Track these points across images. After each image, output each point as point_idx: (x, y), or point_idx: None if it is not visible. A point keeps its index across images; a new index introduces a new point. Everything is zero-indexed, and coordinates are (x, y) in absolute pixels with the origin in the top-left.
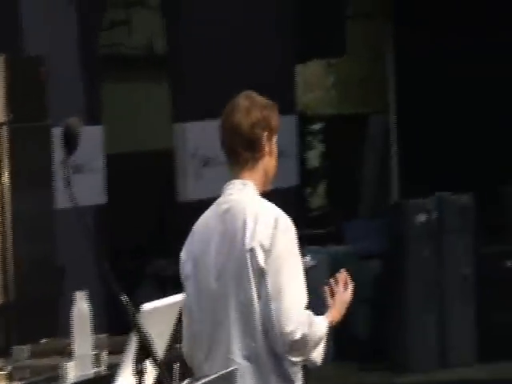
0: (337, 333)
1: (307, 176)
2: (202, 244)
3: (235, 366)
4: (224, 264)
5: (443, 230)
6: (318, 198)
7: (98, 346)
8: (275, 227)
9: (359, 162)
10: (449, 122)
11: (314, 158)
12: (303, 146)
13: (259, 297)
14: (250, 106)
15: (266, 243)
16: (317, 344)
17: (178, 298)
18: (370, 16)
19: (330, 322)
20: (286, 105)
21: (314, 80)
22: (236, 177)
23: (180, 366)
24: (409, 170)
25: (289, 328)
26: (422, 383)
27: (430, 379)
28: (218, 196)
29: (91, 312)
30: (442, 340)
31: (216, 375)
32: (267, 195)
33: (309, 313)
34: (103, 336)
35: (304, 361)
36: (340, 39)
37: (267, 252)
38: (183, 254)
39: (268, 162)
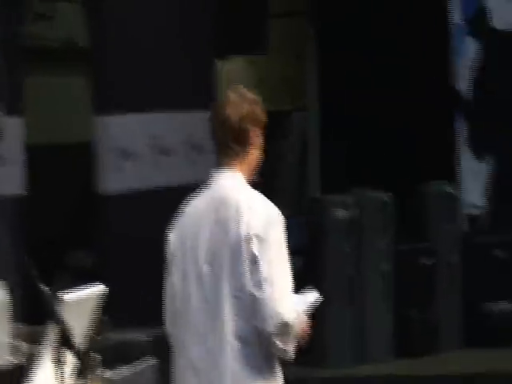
0: None
1: None
2: (192, 227)
3: (228, 346)
4: (217, 250)
5: (363, 226)
6: None
7: (16, 336)
8: (268, 218)
9: (280, 158)
10: (369, 120)
11: None
12: None
13: (251, 282)
14: (240, 101)
15: (261, 233)
16: (295, 336)
17: (96, 289)
18: (292, 14)
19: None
20: (206, 101)
21: (235, 77)
22: (225, 167)
23: (100, 356)
24: (329, 166)
25: (282, 310)
26: (340, 378)
27: (348, 374)
28: (138, 188)
29: (10, 302)
30: (361, 335)
31: (133, 370)
32: None
33: (296, 304)
34: (22, 326)
35: (283, 350)
36: (262, 37)
37: (261, 241)
38: (171, 234)
39: (254, 154)
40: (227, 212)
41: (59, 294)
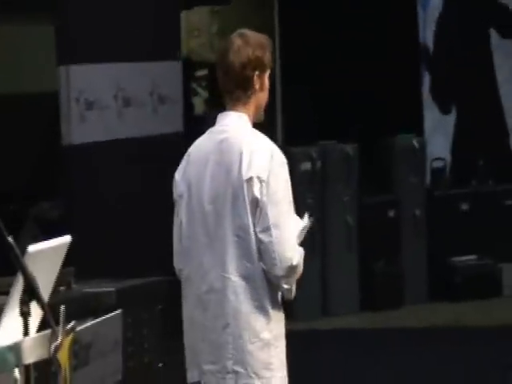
0: None
1: (192, 122)
2: (197, 168)
3: (231, 283)
4: (219, 189)
5: (327, 178)
6: None
7: None
8: (271, 160)
9: None
10: (334, 72)
11: (198, 104)
12: (188, 92)
13: (254, 224)
14: (243, 46)
15: (263, 175)
16: (298, 276)
17: (63, 240)
18: None
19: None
20: (171, 51)
21: (198, 26)
22: (231, 109)
23: (65, 309)
24: (293, 118)
25: (289, 253)
26: (304, 331)
27: (312, 327)
28: (103, 139)
29: None
30: (325, 288)
31: (98, 322)
32: None
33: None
34: None
35: (288, 290)
36: None
37: (264, 183)
38: (177, 175)
39: (259, 97)
40: (230, 154)
41: (25, 245)
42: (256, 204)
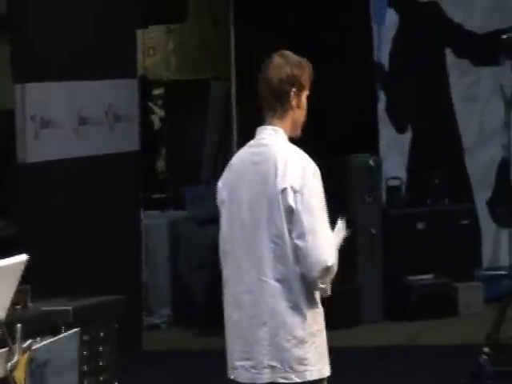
0: (175, 297)
1: (148, 140)
2: (237, 176)
3: (267, 286)
4: (256, 198)
5: None
6: (158, 163)
7: None
8: (304, 171)
9: (200, 127)
10: None
11: (154, 122)
12: (144, 111)
13: (290, 231)
14: (282, 64)
15: (297, 185)
16: (333, 275)
17: (19, 259)
18: None
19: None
20: (127, 69)
21: (154, 45)
22: (268, 123)
23: (22, 327)
24: (249, 135)
25: (324, 257)
26: None
27: None
28: (59, 157)
29: None
30: None
31: (56, 340)
32: None
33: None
34: None
35: (324, 289)
36: (180, 5)
37: (298, 193)
38: (220, 183)
39: (296, 114)
40: (266, 165)
41: None
42: (291, 212)
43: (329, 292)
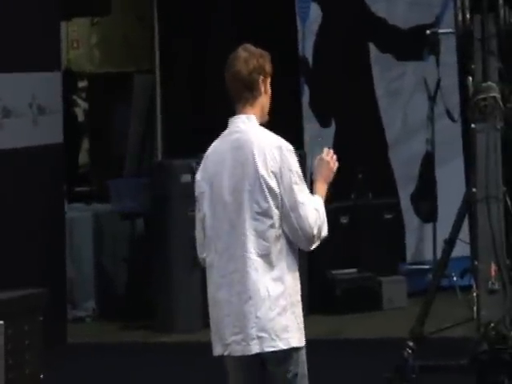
0: (100, 291)
1: (72, 133)
2: (215, 166)
3: (251, 261)
4: (237, 183)
5: None
6: (82, 156)
7: None
8: (280, 151)
9: (124, 120)
10: (214, 85)
11: (78, 115)
12: (68, 103)
13: (275, 208)
14: (248, 56)
15: (275, 166)
16: (324, 222)
17: None
18: None
19: (322, 196)
20: (50, 61)
21: (78, 38)
22: (240, 113)
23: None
24: (173, 129)
25: (309, 229)
26: (186, 343)
27: (194, 339)
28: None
29: None
30: (206, 301)
31: None
32: None
33: (314, 207)
34: None
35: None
36: None
37: (277, 173)
38: (198, 175)
39: (264, 100)
40: (244, 151)
41: None
42: (273, 191)
43: (326, 233)
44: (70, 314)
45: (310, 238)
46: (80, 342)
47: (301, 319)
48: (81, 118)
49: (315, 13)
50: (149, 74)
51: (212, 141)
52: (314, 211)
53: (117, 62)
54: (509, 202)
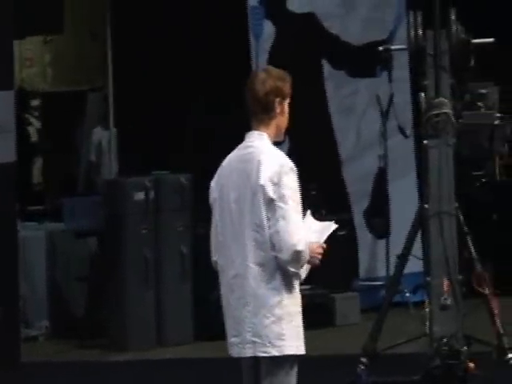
0: (53, 310)
1: (25, 152)
2: (225, 176)
3: (250, 270)
4: (241, 192)
5: (161, 208)
6: (35, 175)
7: None
8: (281, 167)
9: (77, 138)
10: (167, 103)
11: (31, 134)
12: (21, 122)
13: (268, 219)
14: (266, 78)
15: (275, 179)
16: (304, 262)
17: None
18: None
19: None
20: (3, 80)
21: (31, 56)
22: (254, 129)
23: None
24: (127, 148)
25: (294, 240)
26: (139, 361)
27: (147, 357)
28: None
29: None
30: (160, 318)
31: None
32: None
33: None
34: None
35: (296, 274)
36: (57, 16)
37: (275, 185)
38: (212, 183)
39: (279, 121)
40: (251, 164)
41: None
42: (270, 202)
43: (302, 276)
44: (24, 332)
45: (292, 253)
46: (33, 361)
47: (300, 329)
48: (34, 136)
49: (269, 30)
50: (102, 92)
51: (166, 158)
52: (303, 234)
53: (70, 80)
54: (461, 218)
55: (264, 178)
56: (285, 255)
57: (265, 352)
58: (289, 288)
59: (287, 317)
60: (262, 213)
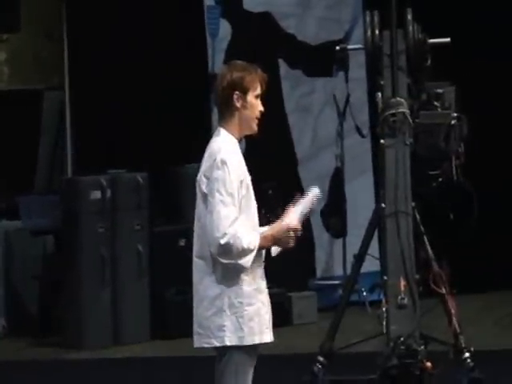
0: (10, 308)
1: None
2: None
3: (195, 263)
4: (197, 186)
5: (117, 207)
6: None
7: None
8: (214, 162)
9: (33, 137)
10: (123, 101)
11: None
12: None
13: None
14: (226, 72)
15: (207, 174)
16: (242, 252)
17: None
18: None
19: (261, 244)
20: None
21: None
22: (219, 125)
23: None
24: (83, 146)
25: (217, 234)
26: (94, 360)
27: (103, 356)
28: None
29: None
30: (116, 316)
31: None
32: None
33: (237, 228)
34: None
35: (233, 264)
36: (13, 15)
37: (208, 179)
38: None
39: (244, 113)
40: (203, 160)
41: None
42: (205, 198)
43: (247, 266)
44: None
45: (217, 245)
46: None
47: (248, 320)
48: None
49: (225, 29)
50: (58, 91)
51: (122, 158)
52: (231, 227)
53: (26, 79)
54: (418, 217)
55: (200, 174)
56: (212, 248)
57: (208, 343)
58: (231, 280)
59: (230, 309)
60: (199, 207)
